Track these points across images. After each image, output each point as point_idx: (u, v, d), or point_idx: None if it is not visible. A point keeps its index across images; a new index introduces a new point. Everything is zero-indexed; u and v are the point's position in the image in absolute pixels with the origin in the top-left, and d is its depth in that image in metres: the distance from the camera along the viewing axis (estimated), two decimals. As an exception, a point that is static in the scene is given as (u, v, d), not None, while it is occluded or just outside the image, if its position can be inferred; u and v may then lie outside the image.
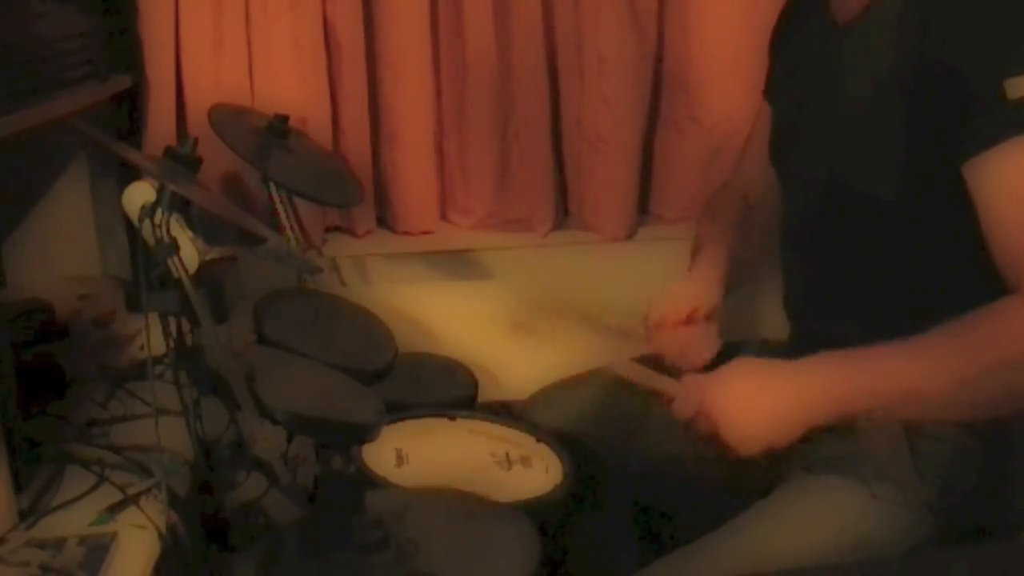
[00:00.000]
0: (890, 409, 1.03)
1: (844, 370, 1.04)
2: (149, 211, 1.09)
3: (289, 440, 1.26)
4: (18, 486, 1.16)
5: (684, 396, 1.09)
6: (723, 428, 1.05)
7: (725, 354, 1.39)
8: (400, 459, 1.29)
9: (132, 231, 1.15)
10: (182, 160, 1.19)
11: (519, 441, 1.36)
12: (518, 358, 1.93)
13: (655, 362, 1.25)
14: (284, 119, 1.68)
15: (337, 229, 2.01)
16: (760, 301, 1.47)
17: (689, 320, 1.31)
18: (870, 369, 1.03)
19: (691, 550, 1.15)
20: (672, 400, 1.09)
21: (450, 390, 1.56)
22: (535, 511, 1.15)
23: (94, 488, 1.22)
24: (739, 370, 1.08)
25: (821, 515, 1.12)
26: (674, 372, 1.23)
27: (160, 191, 1.10)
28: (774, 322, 1.40)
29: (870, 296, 1.19)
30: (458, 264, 2.01)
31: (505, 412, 1.48)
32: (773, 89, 1.42)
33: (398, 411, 1.38)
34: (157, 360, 1.28)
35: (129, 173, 1.39)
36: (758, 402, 1.04)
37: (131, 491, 1.20)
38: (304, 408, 1.09)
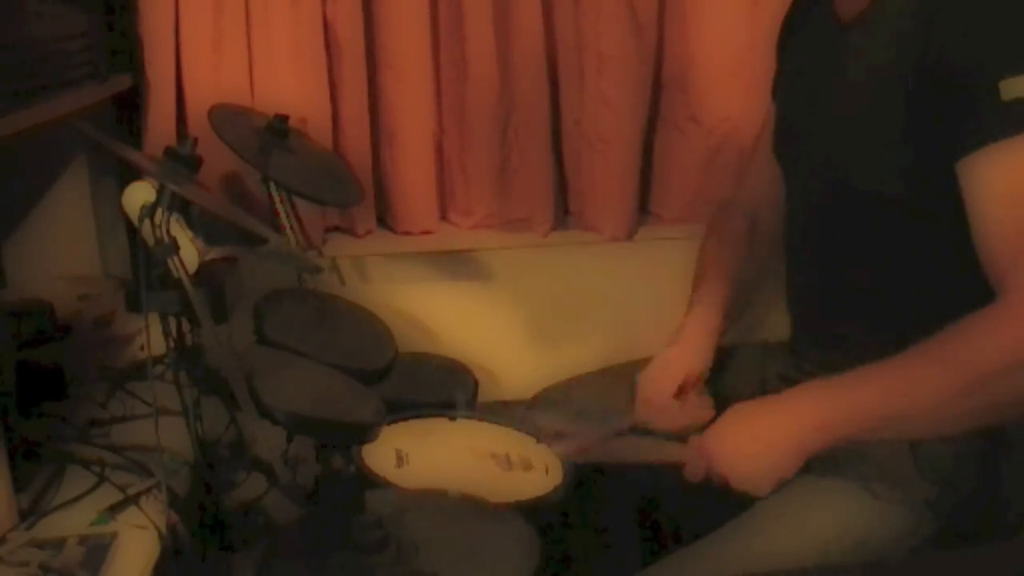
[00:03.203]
0: (878, 432, 1.05)
1: (826, 398, 1.06)
2: (149, 211, 1.09)
3: (289, 440, 1.26)
4: (18, 486, 1.16)
5: (691, 460, 1.13)
6: (732, 480, 1.09)
7: (724, 355, 1.40)
8: (400, 459, 1.29)
9: (132, 231, 1.14)
10: (182, 160, 1.19)
11: (519, 442, 1.36)
12: (518, 358, 1.94)
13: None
14: (284, 119, 1.67)
15: (337, 229, 2.01)
16: (760, 301, 1.47)
17: (680, 392, 1.32)
18: (851, 396, 1.05)
19: (692, 551, 1.15)
20: (683, 466, 1.14)
21: (450, 390, 1.56)
22: (535, 512, 1.15)
23: (94, 488, 1.22)
24: (730, 423, 1.12)
25: (822, 515, 1.13)
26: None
27: (160, 191, 1.10)
28: (774, 322, 1.40)
29: (873, 294, 1.19)
30: (458, 264, 2.01)
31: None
32: (778, 87, 1.41)
33: (398, 411, 1.38)
34: (157, 360, 1.28)
35: (129, 173, 1.38)
36: (755, 449, 1.08)
37: (131, 491, 1.20)
38: (304, 408, 1.09)
